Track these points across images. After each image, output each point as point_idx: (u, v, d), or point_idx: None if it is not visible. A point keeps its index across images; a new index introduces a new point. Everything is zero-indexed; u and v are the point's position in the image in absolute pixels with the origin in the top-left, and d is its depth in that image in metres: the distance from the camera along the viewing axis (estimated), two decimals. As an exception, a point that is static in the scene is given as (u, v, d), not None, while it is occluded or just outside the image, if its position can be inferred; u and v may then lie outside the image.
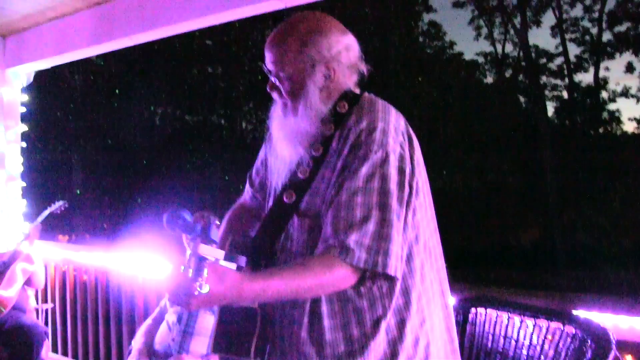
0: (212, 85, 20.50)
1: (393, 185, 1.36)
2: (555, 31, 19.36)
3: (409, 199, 1.39)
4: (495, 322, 2.16)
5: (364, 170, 1.35)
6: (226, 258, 1.22)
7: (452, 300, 2.00)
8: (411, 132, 1.47)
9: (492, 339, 2.12)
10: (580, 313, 1.91)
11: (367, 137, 1.37)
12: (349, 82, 1.50)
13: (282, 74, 1.46)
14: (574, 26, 19.00)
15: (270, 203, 1.56)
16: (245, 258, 1.26)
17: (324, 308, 1.38)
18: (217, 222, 1.46)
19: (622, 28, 18.17)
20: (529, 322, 2.09)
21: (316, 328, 1.38)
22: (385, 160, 1.36)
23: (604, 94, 18.88)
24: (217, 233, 1.35)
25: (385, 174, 1.35)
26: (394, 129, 1.41)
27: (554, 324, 2.01)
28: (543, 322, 2.05)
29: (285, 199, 1.46)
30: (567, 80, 19.34)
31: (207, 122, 21.07)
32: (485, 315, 2.18)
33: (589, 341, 1.84)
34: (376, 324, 1.38)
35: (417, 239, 1.43)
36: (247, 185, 1.76)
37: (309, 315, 1.39)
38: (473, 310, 2.17)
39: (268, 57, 1.48)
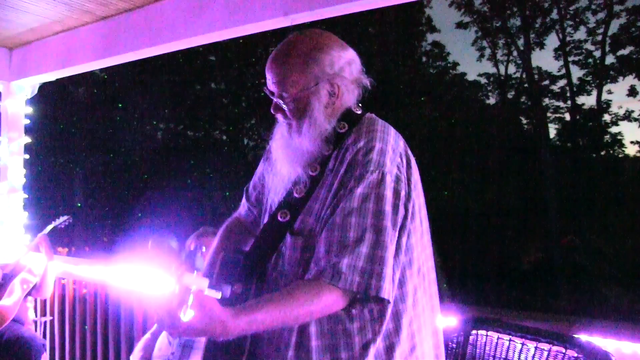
0: (215, 101, 20.58)
1: (388, 207, 1.34)
2: (558, 53, 19.46)
3: (403, 221, 1.37)
4: (497, 344, 2.14)
5: (359, 190, 1.33)
6: (210, 287, 1.21)
7: (447, 325, 1.97)
8: (410, 153, 1.46)
9: (492, 361, 2.10)
10: (582, 337, 1.89)
11: (363, 157, 1.36)
12: (353, 97, 1.50)
13: (285, 94, 1.44)
14: (577, 49, 19.08)
15: (265, 220, 1.55)
16: (230, 287, 1.26)
17: (313, 329, 1.36)
18: (204, 249, 1.43)
19: (625, 51, 18.25)
20: (531, 345, 2.07)
21: (304, 348, 1.36)
22: (381, 181, 1.34)
23: (607, 117, 18.92)
24: (202, 261, 1.33)
25: (380, 195, 1.34)
26: (391, 149, 1.39)
27: (556, 348, 1.99)
28: (545, 346, 2.03)
29: (279, 217, 1.45)
30: (569, 102, 19.40)
31: (209, 137, 21.12)
32: (486, 337, 2.16)
33: (591, 366, 1.83)
34: (365, 347, 1.35)
35: (410, 263, 1.41)
36: (244, 199, 1.75)
37: (297, 334, 1.36)
38: (474, 332, 2.15)
39: (270, 77, 1.47)
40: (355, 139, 1.41)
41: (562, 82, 19.62)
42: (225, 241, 1.67)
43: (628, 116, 18.62)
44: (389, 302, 1.34)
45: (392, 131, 1.45)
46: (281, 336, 1.37)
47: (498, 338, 2.08)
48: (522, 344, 2.12)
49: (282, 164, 1.50)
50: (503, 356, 2.11)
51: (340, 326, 1.35)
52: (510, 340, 2.14)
